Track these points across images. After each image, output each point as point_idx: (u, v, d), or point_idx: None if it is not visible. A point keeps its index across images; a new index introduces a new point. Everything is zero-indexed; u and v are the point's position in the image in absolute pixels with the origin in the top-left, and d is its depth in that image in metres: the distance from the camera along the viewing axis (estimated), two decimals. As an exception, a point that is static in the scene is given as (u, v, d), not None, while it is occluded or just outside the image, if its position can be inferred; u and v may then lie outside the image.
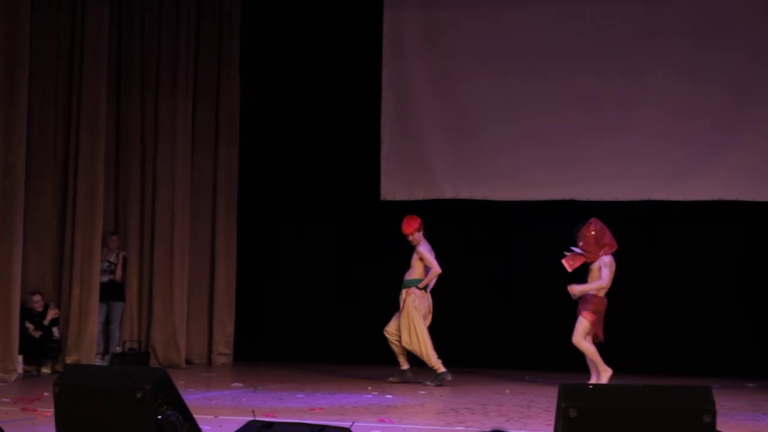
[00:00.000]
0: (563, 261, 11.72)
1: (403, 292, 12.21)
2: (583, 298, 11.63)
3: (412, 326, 12.16)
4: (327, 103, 14.82)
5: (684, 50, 13.59)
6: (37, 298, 12.37)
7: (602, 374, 11.60)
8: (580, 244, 11.64)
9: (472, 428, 8.09)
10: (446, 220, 13.23)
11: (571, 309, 13.97)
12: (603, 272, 11.54)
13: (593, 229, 11.65)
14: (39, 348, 12.36)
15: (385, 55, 14.49)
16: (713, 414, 5.24)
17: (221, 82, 14.50)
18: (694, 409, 5.29)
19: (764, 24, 13.43)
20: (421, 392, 11.45)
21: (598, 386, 5.47)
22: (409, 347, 12.22)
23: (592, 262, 11.63)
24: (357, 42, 14.70)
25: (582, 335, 11.64)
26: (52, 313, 12.47)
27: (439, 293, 12.49)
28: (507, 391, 11.53)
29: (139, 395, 5.83)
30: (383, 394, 11.02)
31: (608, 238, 11.69)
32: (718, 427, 5.27)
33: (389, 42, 14.50)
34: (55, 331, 12.51)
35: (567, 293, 13.99)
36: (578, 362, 13.37)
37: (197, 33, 14.30)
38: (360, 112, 14.65)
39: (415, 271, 12.23)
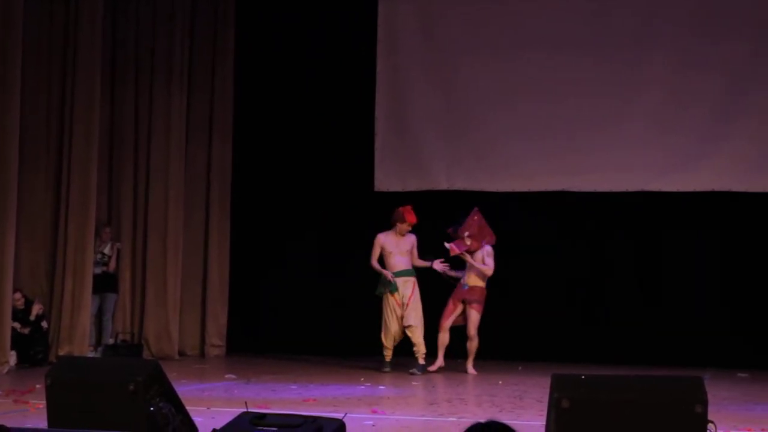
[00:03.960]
0: (449, 245, 12.27)
1: (411, 280, 12.38)
2: (471, 290, 12.36)
3: (420, 312, 12.39)
4: (321, 95, 14.80)
5: (683, 39, 13.57)
6: (17, 296, 12.20)
7: (469, 365, 12.51)
8: (467, 233, 12.27)
9: (464, 419, 8.10)
10: (440, 212, 13.23)
11: (564, 299, 14.03)
12: (488, 261, 12.35)
13: (477, 219, 12.38)
14: (30, 344, 12.29)
15: (379, 46, 14.48)
16: (705, 404, 5.25)
17: (216, 75, 14.48)
18: (685, 400, 5.30)
19: (763, 13, 13.42)
20: (414, 383, 11.46)
21: (590, 377, 5.47)
22: (411, 332, 12.41)
23: (474, 251, 12.32)
24: (352, 34, 14.68)
25: (476, 328, 12.41)
26: (36, 309, 12.40)
27: (433, 284, 12.53)
28: (500, 382, 11.54)
29: (131, 387, 5.83)
30: (376, 385, 11.03)
31: (488, 229, 12.44)
32: (710, 417, 5.29)
33: (384, 34, 14.49)
34: (44, 325, 12.46)
35: (561, 283, 14.06)
36: (571, 353, 13.42)
37: (192, 25, 14.27)
38: (354, 104, 14.63)
39: (413, 260, 12.40)
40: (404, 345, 12.58)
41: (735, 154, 13.38)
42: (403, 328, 12.43)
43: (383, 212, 12.84)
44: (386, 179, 14.43)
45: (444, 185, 14.25)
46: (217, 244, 14.48)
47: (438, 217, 12.92)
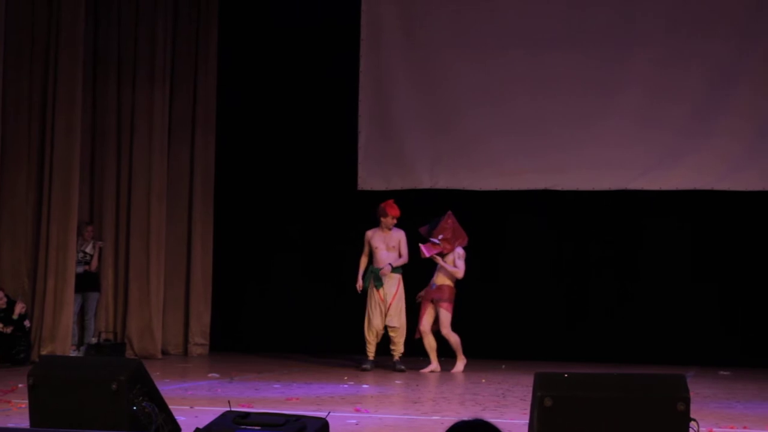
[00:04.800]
0: (421, 247, 12.36)
1: (397, 277, 12.43)
2: (440, 289, 12.41)
3: (403, 313, 12.45)
4: (304, 94, 14.79)
5: (664, 36, 13.59)
6: None
7: (459, 362, 12.56)
8: (440, 236, 12.34)
9: (448, 418, 8.10)
10: (423, 210, 13.23)
11: (549, 298, 14.05)
12: (459, 263, 12.38)
13: (451, 222, 12.41)
14: (12, 343, 12.24)
15: (362, 44, 14.47)
16: (687, 401, 5.27)
17: (198, 72, 14.45)
18: (668, 397, 5.32)
19: (746, 10, 13.45)
20: (397, 381, 11.46)
21: (573, 375, 5.48)
22: (395, 332, 12.41)
23: (447, 253, 12.37)
24: (335, 32, 14.68)
25: (449, 326, 12.42)
26: (18, 308, 12.34)
27: (416, 283, 12.55)
28: (483, 381, 11.54)
29: (114, 386, 5.83)
30: (360, 384, 11.03)
31: (461, 231, 12.48)
32: (693, 415, 5.30)
33: (367, 32, 14.48)
34: (26, 324, 12.41)
35: (545, 281, 14.08)
36: (555, 351, 13.44)
37: (175, 21, 14.24)
38: (337, 103, 14.63)
39: (398, 256, 12.45)
40: (384, 345, 12.60)
41: (717, 152, 13.42)
42: (386, 325, 12.45)
43: (367, 211, 12.85)
44: (369, 178, 14.43)
45: (427, 184, 14.26)
46: (200, 243, 14.46)
47: (421, 215, 12.92)
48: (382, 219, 12.51)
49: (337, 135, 14.62)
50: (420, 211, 13.16)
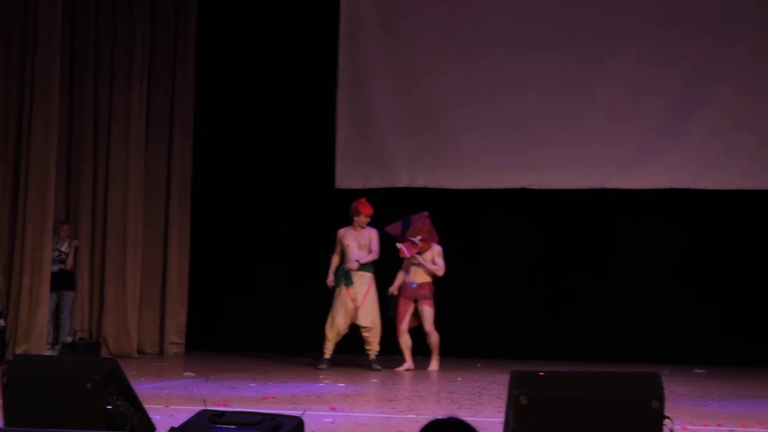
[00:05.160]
0: (402, 246, 12.45)
1: (368, 275, 12.44)
2: (420, 287, 12.49)
3: (377, 312, 12.47)
4: (283, 93, 14.76)
5: (642, 34, 13.63)
6: None
7: (434, 361, 12.62)
8: (419, 237, 12.42)
9: (423, 416, 8.11)
10: (402, 209, 13.23)
11: (525, 296, 14.08)
12: (439, 261, 12.51)
13: (428, 221, 12.51)
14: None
15: (341, 42, 14.46)
16: (662, 399, 5.29)
17: (176, 73, 14.40)
18: (642, 395, 5.34)
19: (722, 9, 13.51)
20: (373, 380, 11.47)
21: (549, 373, 5.49)
22: (368, 332, 12.39)
23: (424, 252, 12.48)
24: (313, 30, 14.67)
25: (432, 323, 12.50)
26: None
27: (386, 282, 12.56)
28: (459, 379, 11.56)
29: (89, 386, 5.80)
30: (335, 382, 11.03)
31: (434, 232, 12.61)
32: (667, 413, 5.32)
33: (346, 30, 14.47)
34: (1, 323, 12.35)
35: (521, 280, 14.11)
36: (531, 350, 13.47)
37: (153, 23, 14.18)
38: (316, 101, 14.62)
39: (369, 255, 12.47)
40: (354, 342, 12.58)
41: (694, 150, 13.47)
42: (349, 324, 12.44)
43: (345, 209, 12.85)
44: (347, 176, 14.43)
45: (405, 182, 14.27)
46: (176, 242, 14.42)
47: (400, 213, 12.92)
48: (355, 217, 12.52)
49: (315, 134, 14.61)
50: (398, 210, 13.16)
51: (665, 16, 13.63)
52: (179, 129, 14.43)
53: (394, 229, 12.64)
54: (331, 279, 12.53)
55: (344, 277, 12.44)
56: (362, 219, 12.50)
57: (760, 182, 13.39)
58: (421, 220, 12.53)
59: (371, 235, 12.51)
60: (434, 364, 12.56)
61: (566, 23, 13.86)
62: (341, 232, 12.58)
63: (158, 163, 14.31)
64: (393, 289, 12.60)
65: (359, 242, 12.49)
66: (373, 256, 12.48)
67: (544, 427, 5.31)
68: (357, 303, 12.41)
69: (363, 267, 12.47)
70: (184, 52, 14.45)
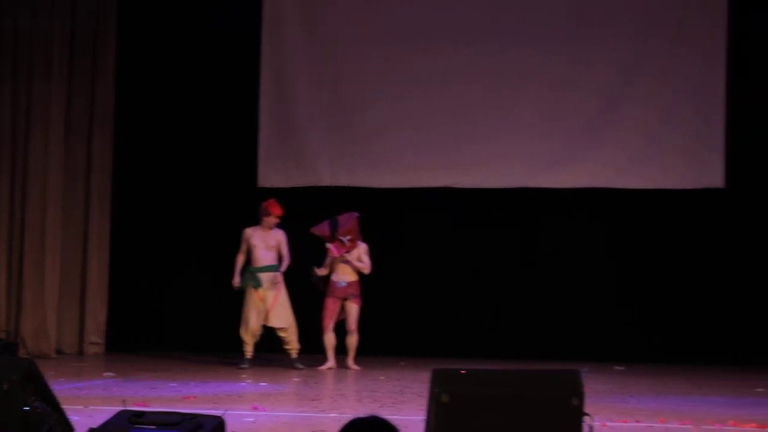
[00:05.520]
0: (331, 246, 12.54)
1: (279, 275, 12.36)
2: (351, 285, 12.57)
3: (289, 311, 12.40)
4: (205, 91, 14.63)
5: (567, 28, 13.68)
6: None
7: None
8: (348, 237, 12.53)
9: (345, 415, 8.11)
10: (324, 208, 13.22)
11: (447, 295, 14.13)
12: (365, 258, 12.61)
13: (357, 222, 12.62)
14: None
15: (264, 41, 14.39)
16: (581, 397, 5.34)
17: (96, 71, 14.20)
18: (562, 393, 5.38)
19: (646, 2, 13.64)
20: (295, 379, 11.45)
21: (470, 372, 5.52)
22: (284, 333, 12.35)
23: (351, 251, 12.59)
24: (236, 28, 14.56)
25: (357, 320, 12.57)
26: None
27: (296, 281, 12.55)
28: (381, 377, 11.58)
29: (5, 386, 5.72)
30: (257, 382, 10.99)
31: (359, 230, 12.76)
32: (587, 410, 5.37)
33: (268, 28, 14.38)
34: None
35: (443, 279, 14.15)
36: (454, 348, 13.52)
37: (73, 19, 13.99)
38: (238, 99, 14.52)
39: (276, 256, 12.41)
40: (277, 340, 12.56)
41: (620, 146, 13.57)
42: (263, 325, 12.39)
43: (266, 208, 12.79)
44: (270, 175, 14.36)
45: (328, 181, 14.23)
46: (96, 242, 14.27)
47: (323, 214, 12.90)
48: (264, 218, 12.46)
49: (238, 132, 14.52)
50: (321, 209, 13.15)
51: (589, 11, 13.70)
52: (99, 128, 14.25)
53: (321, 230, 12.61)
54: (236, 280, 12.46)
55: (252, 279, 12.38)
56: (271, 220, 12.44)
57: (683, 178, 13.54)
58: (351, 221, 12.56)
59: (279, 238, 12.45)
60: (354, 364, 12.54)
61: (488, 18, 13.88)
62: (248, 231, 12.51)
63: (78, 161, 14.13)
64: (320, 271, 12.54)
65: (267, 243, 12.43)
66: (287, 261, 12.43)
67: (466, 425, 5.33)
68: (267, 304, 12.36)
69: (271, 267, 12.40)
70: (105, 51, 14.27)
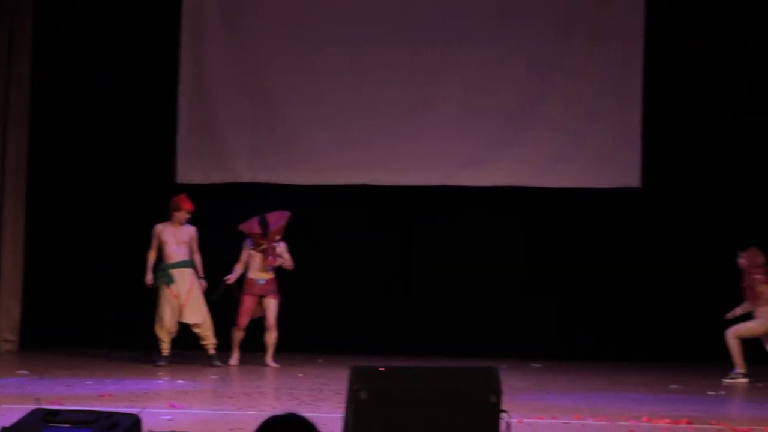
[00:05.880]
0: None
1: (188, 271, 12.31)
2: (269, 283, 12.57)
3: (203, 306, 12.32)
4: (124, 87, 14.44)
5: (486, 25, 13.75)
6: None
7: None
8: (278, 237, 12.57)
9: (264, 412, 8.06)
10: (244, 206, 13.16)
11: (366, 292, 14.14)
12: (287, 255, 12.62)
13: (287, 221, 12.63)
14: None
15: (183, 35, 14.26)
16: (499, 394, 5.38)
17: (11, 67, 14.01)
18: (480, 390, 5.42)
19: None
20: (213, 377, 11.38)
21: (388, 369, 5.53)
22: (199, 328, 12.29)
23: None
24: (155, 25, 14.41)
25: (276, 317, 12.58)
26: None
27: (217, 278, 12.50)
28: (300, 375, 11.56)
29: None
30: (174, 379, 10.91)
31: None
32: (504, 406, 5.41)
33: (188, 27, 14.26)
34: None
35: (363, 276, 14.16)
36: (372, 345, 13.53)
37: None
38: (157, 96, 14.38)
39: (188, 252, 12.36)
40: (194, 337, 12.48)
41: (539, 144, 13.66)
42: (179, 321, 12.32)
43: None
44: (188, 171, 14.25)
45: (247, 177, 14.17)
46: (10, 238, 14.06)
47: (242, 212, 12.84)
48: (175, 213, 12.40)
49: (157, 129, 14.38)
50: (240, 206, 13.09)
51: (508, 10, 13.78)
52: (14, 123, 14.04)
53: (251, 227, 12.52)
54: (150, 278, 12.37)
55: (164, 275, 12.30)
56: (182, 215, 12.38)
57: (600, 178, 13.67)
58: (283, 220, 12.55)
59: (191, 233, 12.40)
60: (272, 361, 12.49)
61: (406, 16, 13.89)
62: (159, 227, 12.44)
63: (-9, 158, 13.93)
64: (230, 279, 12.46)
65: (178, 239, 12.36)
66: (199, 258, 12.36)
67: (384, 422, 5.34)
68: (181, 300, 12.28)
69: (183, 263, 12.33)
70: (20, 46, 14.06)
